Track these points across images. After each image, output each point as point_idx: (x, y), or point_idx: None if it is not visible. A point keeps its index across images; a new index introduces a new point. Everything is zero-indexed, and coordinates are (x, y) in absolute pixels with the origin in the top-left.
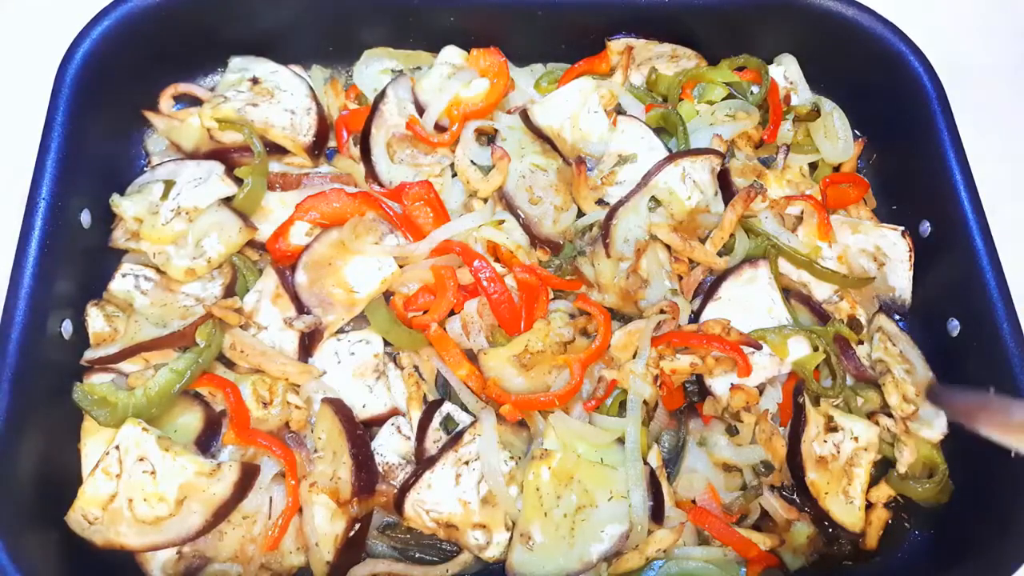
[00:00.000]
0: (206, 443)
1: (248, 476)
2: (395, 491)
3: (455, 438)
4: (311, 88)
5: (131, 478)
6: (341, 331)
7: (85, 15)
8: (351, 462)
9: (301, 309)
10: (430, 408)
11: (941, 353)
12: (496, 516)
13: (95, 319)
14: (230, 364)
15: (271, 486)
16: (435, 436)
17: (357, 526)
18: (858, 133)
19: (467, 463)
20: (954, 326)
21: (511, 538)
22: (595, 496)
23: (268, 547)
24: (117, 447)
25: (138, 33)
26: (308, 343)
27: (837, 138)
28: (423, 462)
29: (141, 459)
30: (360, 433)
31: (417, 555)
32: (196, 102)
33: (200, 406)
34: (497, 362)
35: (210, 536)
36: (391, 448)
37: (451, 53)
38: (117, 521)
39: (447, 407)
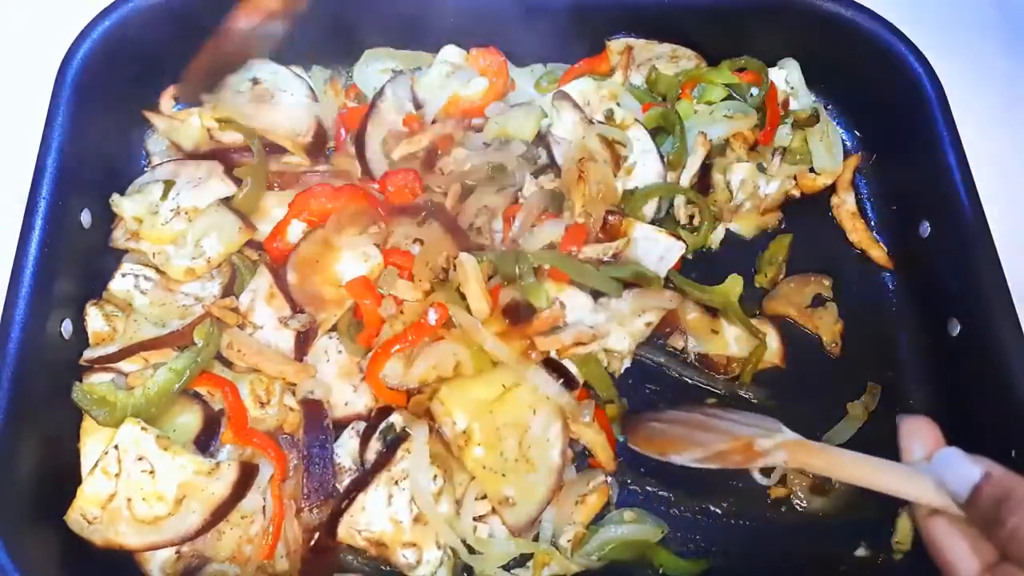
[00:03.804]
0: (205, 442)
1: (247, 475)
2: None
3: (388, 454)
4: (311, 88)
5: (130, 477)
6: (335, 328)
7: (86, 15)
8: (302, 467)
9: (295, 308)
10: (379, 414)
11: (941, 353)
12: (427, 535)
13: (94, 319)
14: (228, 363)
15: (269, 486)
16: (376, 446)
17: (316, 535)
18: (858, 134)
19: (397, 483)
20: (954, 326)
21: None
22: (524, 421)
23: (263, 555)
24: (116, 446)
25: (139, 33)
26: (303, 342)
27: (832, 145)
28: (357, 482)
29: (140, 458)
30: (322, 438)
31: (387, 569)
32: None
33: (199, 405)
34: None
35: (209, 536)
36: (346, 451)
37: (451, 52)
38: (116, 520)
39: (394, 416)
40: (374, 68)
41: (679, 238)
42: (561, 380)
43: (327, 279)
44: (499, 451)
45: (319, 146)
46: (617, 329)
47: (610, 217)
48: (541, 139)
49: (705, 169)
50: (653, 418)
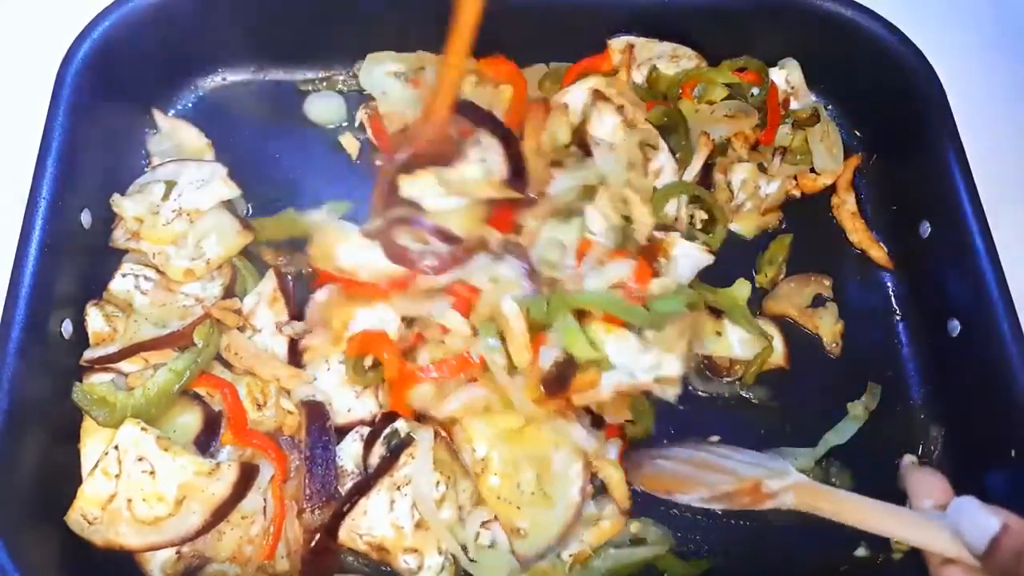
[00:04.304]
0: (205, 443)
1: (247, 476)
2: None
3: (391, 459)
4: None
5: (130, 478)
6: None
7: (86, 15)
8: (303, 468)
9: (293, 316)
10: (384, 420)
11: (941, 353)
12: (429, 540)
13: (94, 319)
14: (228, 364)
15: (269, 487)
16: (380, 451)
17: (317, 536)
18: (858, 134)
19: (399, 488)
20: (954, 326)
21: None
22: (546, 455)
23: (264, 556)
24: (116, 447)
25: (140, 33)
26: (296, 349)
27: (833, 145)
28: (359, 486)
29: (140, 459)
30: (325, 440)
31: (388, 570)
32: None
33: (199, 406)
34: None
35: (209, 536)
36: (349, 455)
37: None
38: (116, 521)
39: (399, 422)
40: (379, 71)
41: (710, 251)
42: (590, 418)
43: (343, 316)
44: (516, 483)
45: (520, 174)
46: (667, 356)
47: (656, 234)
48: (578, 139)
49: (706, 169)
50: (657, 455)
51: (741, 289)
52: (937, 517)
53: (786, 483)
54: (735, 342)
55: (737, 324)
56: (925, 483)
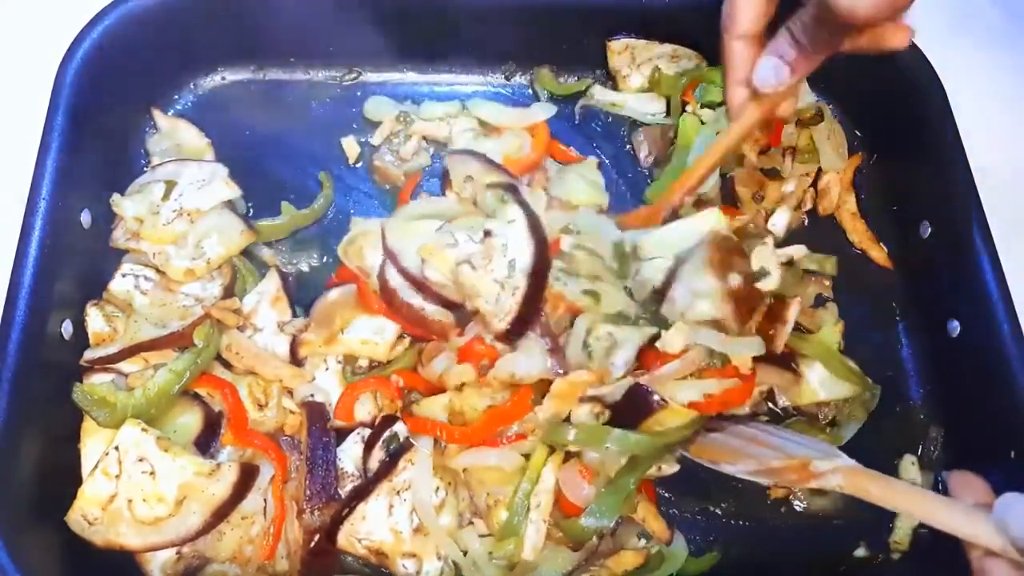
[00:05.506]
0: (205, 443)
1: (247, 476)
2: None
3: (390, 463)
4: (537, 257)
5: (131, 478)
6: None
7: (86, 15)
8: (304, 468)
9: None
10: (383, 423)
11: (941, 353)
12: (427, 545)
13: (95, 319)
14: (228, 365)
15: (269, 487)
16: (379, 455)
17: (317, 537)
18: (858, 133)
19: (399, 493)
20: (954, 326)
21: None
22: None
23: (264, 556)
24: (116, 447)
25: (139, 32)
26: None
27: (839, 145)
28: (358, 490)
29: (140, 459)
30: (325, 440)
31: (387, 574)
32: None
33: (199, 406)
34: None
35: (209, 536)
36: (349, 457)
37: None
38: (117, 521)
39: (398, 426)
40: (382, 98)
41: None
42: None
43: (345, 316)
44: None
45: (513, 336)
46: None
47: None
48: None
49: (727, 183)
50: (710, 428)
51: (832, 334)
52: (983, 510)
53: (835, 464)
54: (817, 385)
55: (833, 372)
56: (967, 483)
